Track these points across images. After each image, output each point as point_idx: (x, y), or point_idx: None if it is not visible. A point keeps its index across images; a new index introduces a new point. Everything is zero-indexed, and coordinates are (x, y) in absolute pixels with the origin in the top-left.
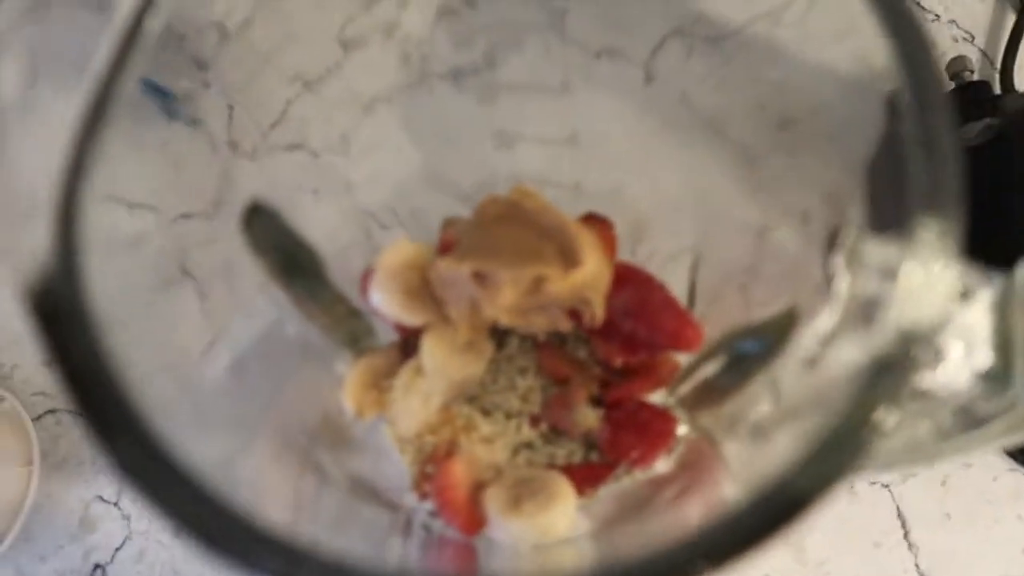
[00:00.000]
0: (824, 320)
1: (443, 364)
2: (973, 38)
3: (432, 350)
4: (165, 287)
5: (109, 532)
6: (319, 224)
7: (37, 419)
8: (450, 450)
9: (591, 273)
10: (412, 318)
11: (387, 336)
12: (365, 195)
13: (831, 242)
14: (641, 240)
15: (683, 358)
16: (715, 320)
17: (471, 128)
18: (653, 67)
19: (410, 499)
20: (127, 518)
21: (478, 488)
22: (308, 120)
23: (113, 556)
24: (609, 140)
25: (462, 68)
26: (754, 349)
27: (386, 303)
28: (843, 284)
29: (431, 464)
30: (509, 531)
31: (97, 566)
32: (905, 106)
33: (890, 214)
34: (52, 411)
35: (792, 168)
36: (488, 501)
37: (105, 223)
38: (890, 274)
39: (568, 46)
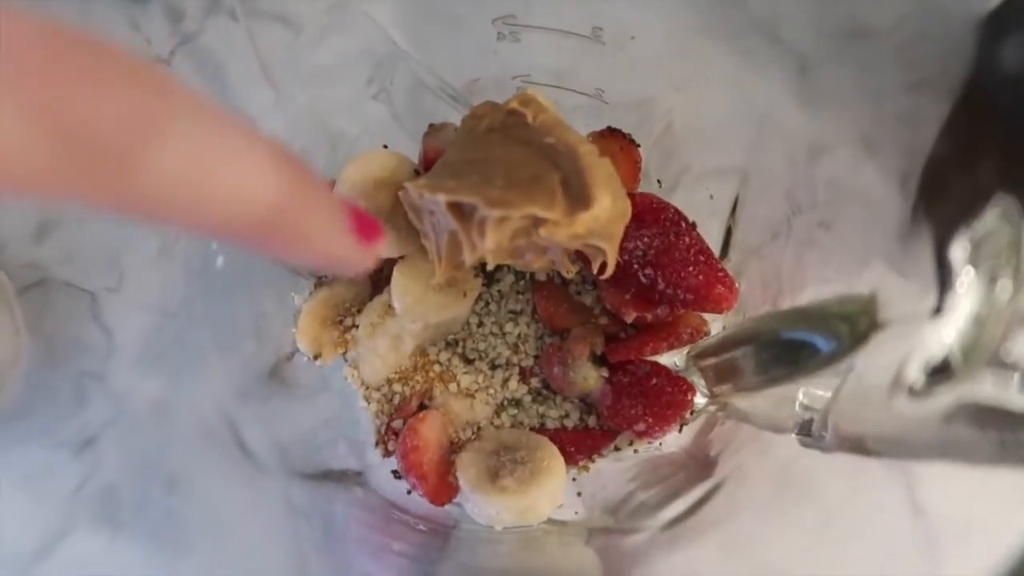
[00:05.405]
0: (938, 336)
1: (418, 303)
2: None
3: (405, 286)
4: None
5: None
6: (273, 122)
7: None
8: (422, 402)
9: (604, 217)
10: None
11: None
12: (336, 83)
13: (904, 189)
14: (671, 162)
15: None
16: (754, 278)
17: (471, 7)
18: None
19: (372, 456)
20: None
21: (452, 450)
22: None
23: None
24: (641, 36)
25: None
26: (819, 344)
27: None
28: (967, 287)
29: (399, 417)
30: (483, 508)
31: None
32: None
33: None
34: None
35: (854, 83)
36: (462, 468)
37: None
38: None
39: None
